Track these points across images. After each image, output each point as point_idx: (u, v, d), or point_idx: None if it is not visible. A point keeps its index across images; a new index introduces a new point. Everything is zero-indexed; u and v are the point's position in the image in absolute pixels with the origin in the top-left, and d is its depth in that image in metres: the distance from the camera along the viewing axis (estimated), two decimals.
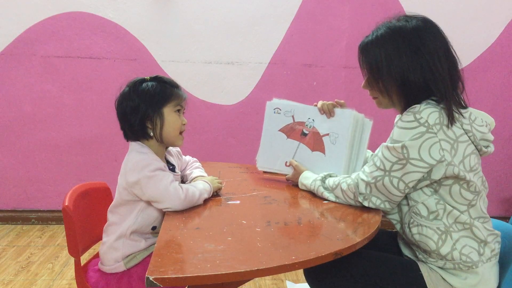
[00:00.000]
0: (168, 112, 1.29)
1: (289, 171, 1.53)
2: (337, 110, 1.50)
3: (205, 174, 1.47)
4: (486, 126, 1.18)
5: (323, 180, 1.35)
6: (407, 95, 1.17)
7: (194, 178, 1.41)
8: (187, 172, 1.50)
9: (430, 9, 2.77)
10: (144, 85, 1.28)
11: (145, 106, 1.26)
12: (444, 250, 1.13)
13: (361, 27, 2.80)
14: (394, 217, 1.27)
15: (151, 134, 1.29)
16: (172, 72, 2.79)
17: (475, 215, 1.15)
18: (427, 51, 1.13)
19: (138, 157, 1.25)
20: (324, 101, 1.50)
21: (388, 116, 1.52)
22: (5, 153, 2.81)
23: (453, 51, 1.17)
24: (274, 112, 1.59)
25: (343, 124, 1.46)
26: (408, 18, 1.19)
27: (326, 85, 2.87)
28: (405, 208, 1.22)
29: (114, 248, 1.28)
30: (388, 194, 1.17)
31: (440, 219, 1.14)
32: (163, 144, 1.33)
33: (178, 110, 1.32)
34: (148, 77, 1.31)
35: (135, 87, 1.28)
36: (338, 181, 1.28)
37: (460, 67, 1.18)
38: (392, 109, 1.29)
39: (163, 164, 1.28)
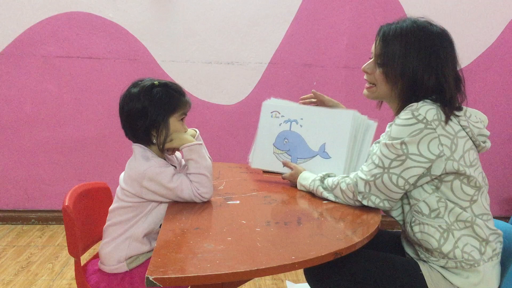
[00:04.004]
0: (173, 121, 1.29)
1: (287, 170, 1.51)
2: (336, 111, 1.49)
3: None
4: (481, 123, 1.22)
5: (322, 180, 1.35)
6: (413, 90, 1.19)
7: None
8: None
9: (430, 9, 2.77)
10: (155, 91, 1.27)
11: (155, 113, 1.26)
12: (446, 248, 1.13)
13: (361, 27, 2.80)
14: (398, 216, 1.27)
15: (154, 141, 1.29)
16: (172, 72, 2.79)
17: (478, 211, 1.16)
18: (443, 56, 1.17)
19: (144, 166, 1.24)
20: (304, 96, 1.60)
21: (388, 117, 1.52)
22: (5, 153, 2.81)
23: (459, 62, 1.23)
24: (272, 116, 1.55)
25: (343, 125, 1.44)
26: (430, 22, 1.23)
27: (326, 85, 2.87)
28: (406, 207, 1.23)
29: (119, 249, 1.28)
30: (387, 192, 1.18)
31: (441, 217, 1.14)
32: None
33: (182, 119, 1.33)
34: (156, 82, 1.29)
35: (146, 90, 1.27)
36: (337, 181, 1.28)
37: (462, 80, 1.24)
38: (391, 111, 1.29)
39: (164, 162, 1.29)
